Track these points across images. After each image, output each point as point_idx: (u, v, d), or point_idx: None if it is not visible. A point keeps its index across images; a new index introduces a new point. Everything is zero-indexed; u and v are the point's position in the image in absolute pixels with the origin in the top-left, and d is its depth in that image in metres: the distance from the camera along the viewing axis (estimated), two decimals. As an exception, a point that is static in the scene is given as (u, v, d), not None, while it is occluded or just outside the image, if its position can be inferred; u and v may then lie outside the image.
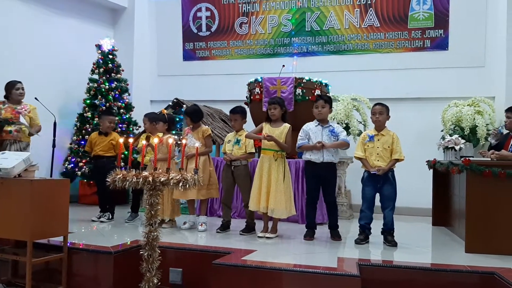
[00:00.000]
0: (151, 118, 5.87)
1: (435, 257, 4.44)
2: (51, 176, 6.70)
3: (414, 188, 6.73)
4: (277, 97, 5.72)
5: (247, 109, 6.90)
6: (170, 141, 3.82)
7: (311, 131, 4.94)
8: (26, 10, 7.31)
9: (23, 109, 5.68)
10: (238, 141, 5.26)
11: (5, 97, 5.72)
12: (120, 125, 7.60)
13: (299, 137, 4.97)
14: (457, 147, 6.23)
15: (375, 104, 4.88)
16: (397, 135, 4.79)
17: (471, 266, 3.75)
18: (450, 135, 6.50)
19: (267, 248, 4.49)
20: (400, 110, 7.10)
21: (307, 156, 4.93)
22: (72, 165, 7.50)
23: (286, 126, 4.99)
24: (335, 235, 4.92)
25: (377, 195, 4.80)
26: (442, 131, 6.87)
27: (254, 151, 5.27)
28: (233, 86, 7.99)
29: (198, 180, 3.18)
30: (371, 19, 7.88)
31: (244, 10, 8.58)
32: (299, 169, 6.12)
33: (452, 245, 4.84)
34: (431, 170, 6.15)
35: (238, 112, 5.33)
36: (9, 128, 5.54)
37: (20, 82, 5.73)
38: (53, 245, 4.16)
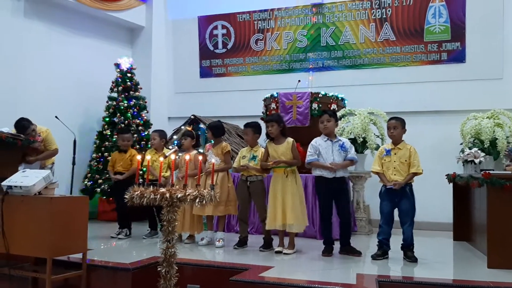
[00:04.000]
0: (161, 134, 6.00)
1: (456, 273, 4.37)
2: (71, 193, 6.79)
3: (434, 202, 6.64)
4: (274, 114, 5.75)
5: (263, 125, 6.95)
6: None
7: (321, 146, 4.91)
8: (46, 30, 7.51)
9: (37, 143, 5.63)
10: (254, 157, 5.27)
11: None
12: (138, 142, 7.69)
13: (308, 153, 4.94)
14: (476, 161, 6.13)
15: (390, 119, 4.87)
16: (416, 148, 4.74)
17: (494, 282, 3.67)
18: (470, 148, 6.40)
19: (285, 264, 4.47)
20: (417, 123, 7.06)
21: (318, 172, 4.91)
22: (91, 182, 7.60)
23: (289, 141, 5.00)
24: (351, 251, 4.85)
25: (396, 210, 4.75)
26: (461, 144, 6.78)
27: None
28: (249, 102, 8.02)
29: (214, 196, 3.20)
30: (386, 33, 7.88)
31: (260, 27, 8.67)
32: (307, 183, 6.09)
33: (474, 261, 4.75)
34: (451, 184, 6.06)
35: (249, 126, 5.34)
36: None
37: (29, 125, 5.51)
38: (72, 262, 4.19)
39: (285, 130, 5.10)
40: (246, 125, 5.38)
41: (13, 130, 5.46)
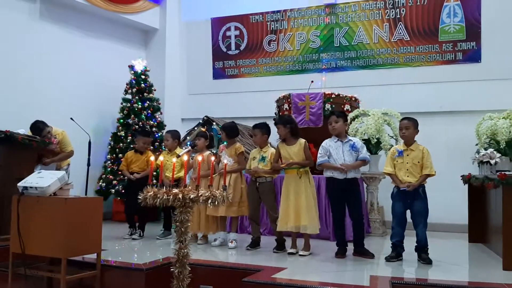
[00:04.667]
0: (174, 135, 6.03)
1: (471, 275, 4.31)
2: (86, 193, 6.87)
3: (449, 203, 6.57)
4: (283, 115, 5.72)
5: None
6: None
7: (331, 147, 4.89)
8: (61, 32, 7.61)
9: (53, 145, 5.75)
10: (263, 158, 5.26)
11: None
12: (152, 143, 7.73)
13: (319, 155, 4.91)
14: (492, 161, 6.03)
15: (402, 119, 4.83)
16: (430, 149, 4.69)
17: (509, 284, 3.62)
18: (485, 149, 6.31)
19: (298, 265, 4.45)
20: (432, 124, 7.01)
21: (328, 173, 4.89)
22: (106, 183, 7.66)
23: (301, 142, 4.99)
24: (364, 253, 4.81)
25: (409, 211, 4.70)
26: (476, 145, 6.70)
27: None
28: (262, 103, 8.02)
29: (226, 197, 3.20)
30: (400, 33, 7.82)
31: (272, 28, 8.66)
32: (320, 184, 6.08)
33: (489, 262, 4.69)
34: (466, 185, 5.98)
35: (258, 127, 5.33)
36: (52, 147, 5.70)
37: (45, 127, 5.70)
38: (87, 262, 4.23)
39: (296, 131, 5.07)
40: (254, 126, 5.37)
41: (29, 132, 5.56)
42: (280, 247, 5.11)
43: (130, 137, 7.67)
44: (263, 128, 5.33)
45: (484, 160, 6.14)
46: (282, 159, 5.03)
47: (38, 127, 5.65)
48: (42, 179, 3.95)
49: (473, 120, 6.74)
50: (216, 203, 3.13)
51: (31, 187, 3.88)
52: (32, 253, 3.88)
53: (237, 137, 5.88)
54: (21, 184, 3.94)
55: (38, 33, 7.20)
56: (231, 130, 5.62)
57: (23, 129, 5.48)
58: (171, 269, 3.20)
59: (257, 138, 5.33)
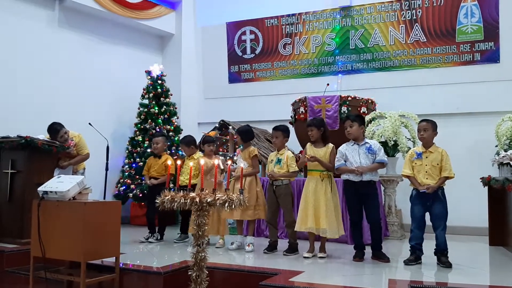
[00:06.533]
0: (186, 142, 6.06)
1: (492, 278, 4.24)
2: (104, 198, 6.93)
3: (469, 206, 6.49)
4: (314, 118, 5.71)
5: (292, 129, 6.92)
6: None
7: (347, 151, 4.88)
8: (79, 39, 7.74)
9: (70, 147, 5.84)
10: (279, 161, 5.27)
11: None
12: (169, 148, 7.79)
13: (336, 159, 4.92)
14: (513, 163, 5.95)
15: (421, 121, 4.78)
16: (449, 151, 4.64)
17: (532, 288, 3.56)
18: (505, 150, 6.22)
19: (315, 269, 4.44)
20: (451, 125, 6.94)
21: (345, 176, 4.87)
22: (124, 187, 7.74)
23: (329, 146, 4.99)
24: (380, 256, 4.76)
25: (428, 214, 4.65)
26: (496, 146, 6.61)
27: (297, 169, 5.25)
28: (278, 106, 8.05)
29: (243, 200, 3.21)
30: (417, 34, 7.76)
31: (288, 31, 8.68)
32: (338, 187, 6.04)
33: (510, 266, 4.61)
34: (486, 187, 5.90)
35: (280, 129, 5.34)
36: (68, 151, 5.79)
37: (61, 128, 5.77)
38: (106, 266, 4.27)
39: (326, 135, 5.08)
40: (276, 128, 5.37)
41: (47, 137, 5.65)
42: (291, 250, 5.09)
43: (147, 142, 7.75)
44: (285, 131, 5.35)
45: (504, 162, 6.04)
46: (307, 162, 5.03)
47: (55, 128, 5.76)
48: (61, 183, 4.01)
49: (492, 121, 6.66)
50: (233, 206, 3.14)
51: (51, 192, 3.93)
52: (52, 257, 3.93)
53: (252, 141, 5.88)
54: (41, 188, 4.00)
55: (56, 40, 7.33)
56: (246, 133, 5.63)
57: (43, 135, 5.58)
58: (189, 273, 3.21)
59: (278, 141, 5.33)
